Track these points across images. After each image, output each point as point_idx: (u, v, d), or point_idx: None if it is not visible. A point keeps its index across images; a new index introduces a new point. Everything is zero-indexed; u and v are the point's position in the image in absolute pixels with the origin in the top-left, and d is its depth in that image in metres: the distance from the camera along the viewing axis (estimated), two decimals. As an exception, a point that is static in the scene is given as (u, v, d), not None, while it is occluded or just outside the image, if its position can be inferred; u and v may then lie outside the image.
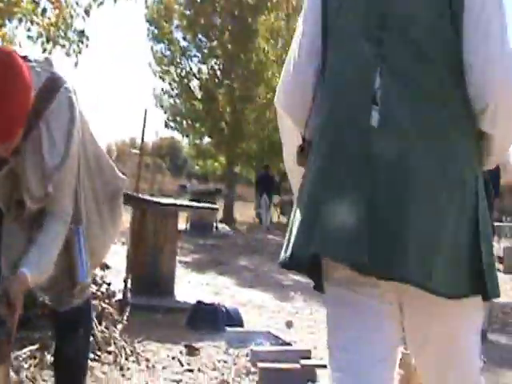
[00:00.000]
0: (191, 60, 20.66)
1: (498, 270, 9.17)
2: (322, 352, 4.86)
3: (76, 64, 6.74)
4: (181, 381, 3.90)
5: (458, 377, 1.74)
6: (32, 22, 6.51)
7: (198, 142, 22.61)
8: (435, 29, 1.60)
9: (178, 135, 24.63)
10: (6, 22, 6.47)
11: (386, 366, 1.71)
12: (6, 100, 2.03)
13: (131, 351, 4.23)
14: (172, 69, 20.51)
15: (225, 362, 4.35)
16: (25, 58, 2.23)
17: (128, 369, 3.98)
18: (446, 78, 1.60)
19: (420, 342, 1.73)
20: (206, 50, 20.40)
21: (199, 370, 4.15)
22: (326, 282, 1.72)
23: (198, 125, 20.77)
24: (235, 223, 19.18)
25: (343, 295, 1.69)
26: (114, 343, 4.13)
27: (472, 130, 1.63)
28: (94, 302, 3.95)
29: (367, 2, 1.67)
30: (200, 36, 20.27)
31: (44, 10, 6.62)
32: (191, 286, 7.86)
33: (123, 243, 8.84)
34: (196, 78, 20.62)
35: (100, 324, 4.10)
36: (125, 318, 4.50)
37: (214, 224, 15.73)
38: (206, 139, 22.19)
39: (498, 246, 11.83)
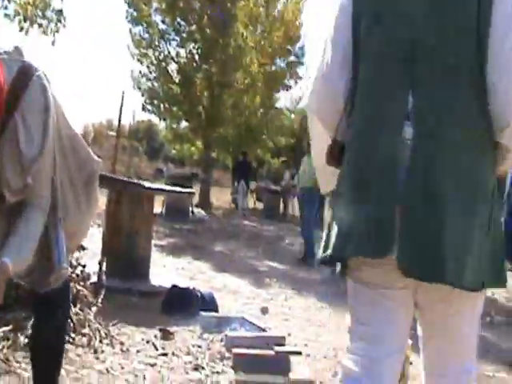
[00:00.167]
0: (170, 43, 20.47)
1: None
2: (296, 339, 4.89)
3: (53, 43, 6.67)
4: (155, 364, 3.89)
5: (456, 351, 1.95)
6: (9, 1, 6.42)
7: (175, 125, 22.47)
8: (461, 48, 1.72)
9: (155, 118, 24.49)
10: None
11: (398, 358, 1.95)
12: None
13: (105, 334, 4.22)
14: (150, 52, 20.29)
15: (199, 346, 4.34)
16: None
17: (102, 351, 3.96)
18: (470, 95, 1.73)
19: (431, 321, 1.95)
20: (184, 34, 20.21)
21: (173, 354, 4.15)
22: (350, 279, 1.95)
23: (175, 109, 20.61)
24: (211, 208, 19.17)
25: (365, 292, 1.91)
26: (89, 326, 4.12)
27: (491, 144, 1.78)
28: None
29: (397, 25, 1.80)
30: (179, 20, 20.05)
31: (22, -12, 6.54)
32: (166, 269, 7.83)
33: (99, 225, 8.78)
34: (174, 61, 20.45)
35: (75, 306, 4.08)
36: (99, 300, 4.48)
37: (190, 208, 15.70)
38: (184, 123, 22.09)
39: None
